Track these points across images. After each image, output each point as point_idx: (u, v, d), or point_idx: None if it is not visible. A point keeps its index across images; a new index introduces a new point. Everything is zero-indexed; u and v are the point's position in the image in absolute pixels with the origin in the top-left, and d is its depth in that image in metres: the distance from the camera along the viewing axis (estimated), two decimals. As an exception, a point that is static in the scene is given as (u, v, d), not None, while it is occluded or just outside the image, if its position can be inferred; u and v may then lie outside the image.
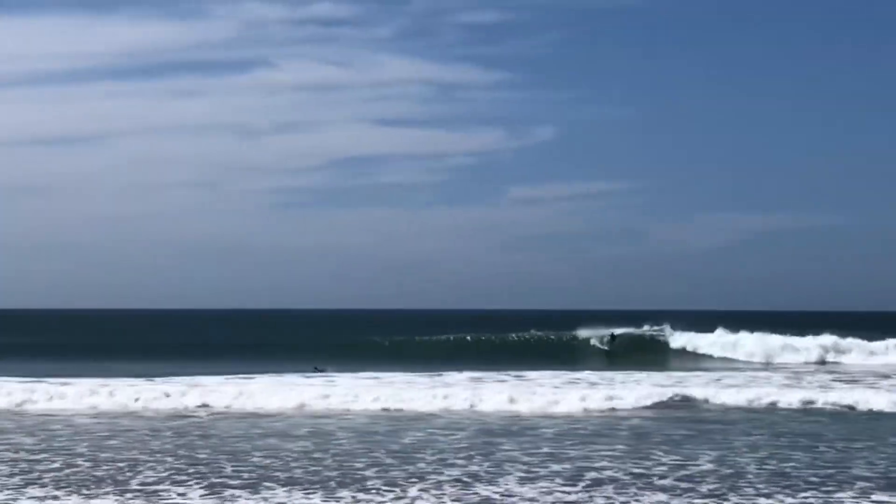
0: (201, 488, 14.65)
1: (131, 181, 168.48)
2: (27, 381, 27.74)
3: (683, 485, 14.99)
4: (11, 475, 15.46)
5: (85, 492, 14.34)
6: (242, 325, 74.34)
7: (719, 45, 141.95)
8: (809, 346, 45.49)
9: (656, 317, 50.30)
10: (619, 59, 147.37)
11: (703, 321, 49.48)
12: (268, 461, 16.94)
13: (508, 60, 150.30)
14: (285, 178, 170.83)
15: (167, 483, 15.00)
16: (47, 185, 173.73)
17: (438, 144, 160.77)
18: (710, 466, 16.57)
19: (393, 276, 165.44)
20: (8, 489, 14.43)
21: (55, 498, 13.92)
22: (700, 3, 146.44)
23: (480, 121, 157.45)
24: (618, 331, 48.99)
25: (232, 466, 16.38)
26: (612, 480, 15.34)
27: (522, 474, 15.81)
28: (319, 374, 34.46)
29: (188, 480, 15.19)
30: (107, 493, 14.24)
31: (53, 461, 16.81)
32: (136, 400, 25.44)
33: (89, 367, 34.06)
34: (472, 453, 17.86)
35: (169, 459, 17.03)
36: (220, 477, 15.48)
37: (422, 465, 16.66)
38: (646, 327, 49.95)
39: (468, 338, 51.08)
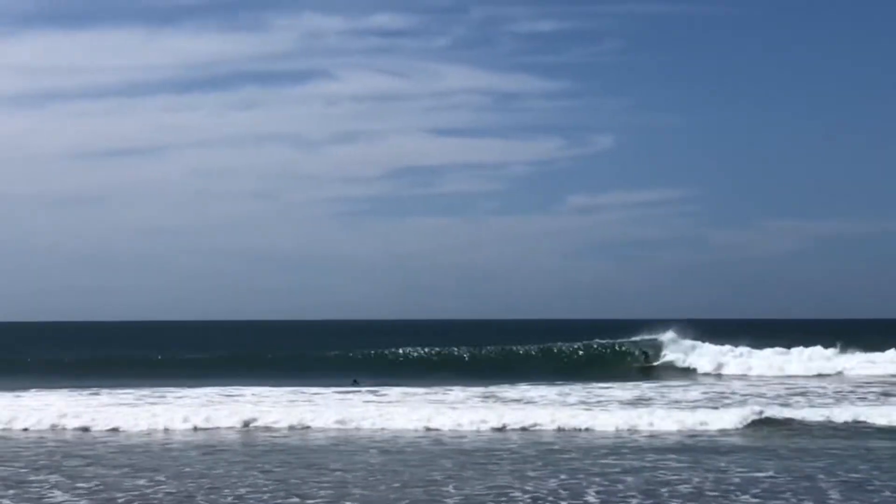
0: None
1: (190, 192, 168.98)
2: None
3: None
4: None
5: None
6: (300, 336, 73.36)
7: (779, 50, 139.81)
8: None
9: (699, 325, 48.61)
10: (678, 65, 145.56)
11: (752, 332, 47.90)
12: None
13: (566, 69, 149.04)
14: (344, 188, 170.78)
15: None
16: (105, 197, 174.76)
17: (497, 153, 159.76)
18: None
19: (453, 286, 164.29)
20: None
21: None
22: (760, 9, 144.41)
23: (538, 130, 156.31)
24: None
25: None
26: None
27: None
28: (356, 387, 33.42)
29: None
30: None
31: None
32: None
33: (152, 382, 33.46)
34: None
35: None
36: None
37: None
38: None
39: (532, 350, 49.08)
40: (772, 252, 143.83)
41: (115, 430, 23.05)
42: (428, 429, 22.81)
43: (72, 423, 23.71)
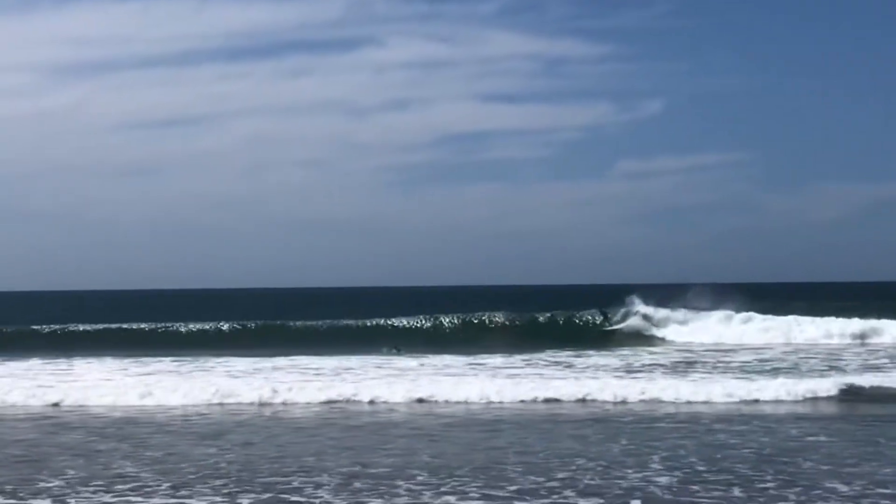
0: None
1: (242, 161, 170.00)
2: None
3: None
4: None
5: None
6: (353, 304, 73.64)
7: (831, 12, 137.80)
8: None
9: (748, 289, 47.05)
10: (729, 28, 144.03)
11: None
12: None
13: (615, 33, 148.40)
14: (394, 155, 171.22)
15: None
16: (159, 167, 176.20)
17: (546, 119, 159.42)
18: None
19: (504, 252, 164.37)
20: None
21: None
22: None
23: (588, 95, 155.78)
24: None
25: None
26: None
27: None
28: (396, 355, 33.55)
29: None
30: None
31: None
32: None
33: (214, 351, 33.83)
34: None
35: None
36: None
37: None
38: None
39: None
40: (826, 216, 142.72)
41: (179, 401, 22.88)
42: (489, 401, 22.43)
43: (133, 393, 23.56)
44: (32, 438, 18.38)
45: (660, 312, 43.61)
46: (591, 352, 34.09)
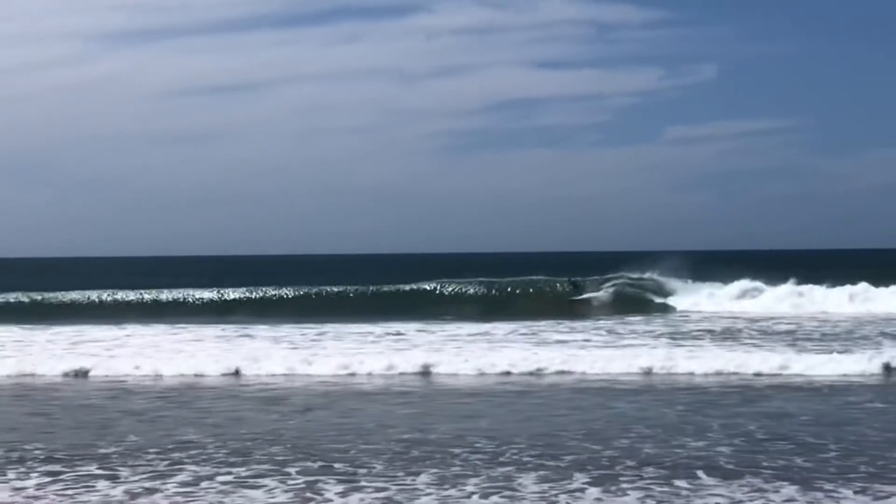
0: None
1: (293, 128, 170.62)
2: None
3: None
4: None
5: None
6: (402, 270, 73.58)
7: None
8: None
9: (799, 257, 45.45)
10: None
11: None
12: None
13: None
14: (445, 121, 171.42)
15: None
16: (210, 134, 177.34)
17: (598, 85, 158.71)
18: None
19: (556, 218, 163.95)
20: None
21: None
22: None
23: (640, 60, 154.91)
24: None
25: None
26: None
27: None
28: (449, 321, 33.44)
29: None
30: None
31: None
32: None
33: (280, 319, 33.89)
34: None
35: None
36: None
37: None
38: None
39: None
40: (878, 182, 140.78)
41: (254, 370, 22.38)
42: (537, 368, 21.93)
43: (205, 360, 23.39)
44: (101, 404, 18.46)
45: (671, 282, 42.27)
46: (610, 320, 33.80)
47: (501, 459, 12.97)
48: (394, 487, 11.65)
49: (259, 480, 12.05)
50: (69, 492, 11.69)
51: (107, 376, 22.00)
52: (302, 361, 22.72)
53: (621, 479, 11.89)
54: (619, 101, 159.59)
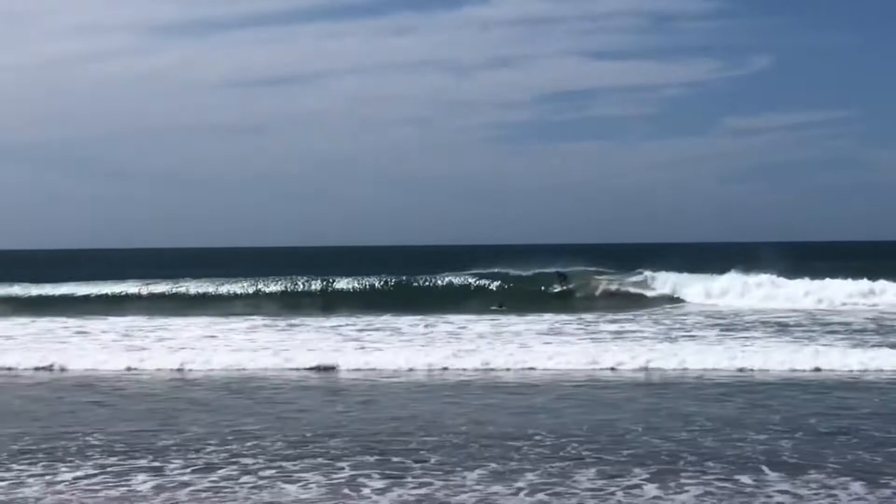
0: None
1: (347, 120, 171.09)
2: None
3: None
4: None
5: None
6: (454, 261, 73.44)
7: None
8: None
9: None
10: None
11: None
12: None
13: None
14: (498, 113, 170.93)
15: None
16: (264, 125, 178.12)
17: (651, 76, 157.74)
18: None
19: (607, 210, 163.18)
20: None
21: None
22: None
23: (694, 51, 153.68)
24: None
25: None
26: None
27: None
28: (500, 311, 33.39)
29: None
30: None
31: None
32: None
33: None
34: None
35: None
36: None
37: None
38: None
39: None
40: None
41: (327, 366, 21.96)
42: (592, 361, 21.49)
43: (264, 351, 23.46)
44: (164, 393, 18.63)
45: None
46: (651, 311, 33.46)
47: (561, 454, 12.82)
48: (438, 483, 11.41)
49: (302, 475, 11.82)
50: (97, 486, 11.51)
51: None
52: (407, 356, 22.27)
53: (682, 473, 11.69)
54: (673, 92, 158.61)
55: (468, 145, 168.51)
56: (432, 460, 12.52)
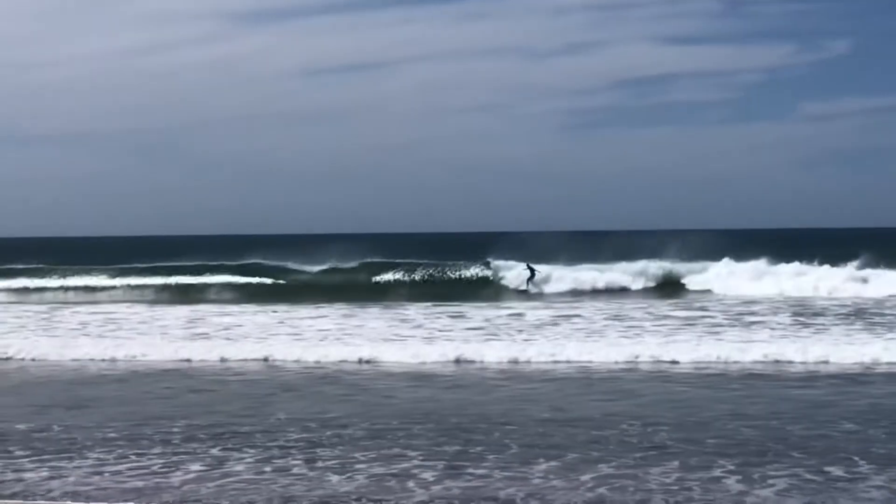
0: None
1: (420, 106, 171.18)
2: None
3: None
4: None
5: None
6: (526, 247, 72.81)
7: None
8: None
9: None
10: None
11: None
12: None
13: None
14: (573, 99, 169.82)
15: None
16: (340, 113, 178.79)
17: (727, 61, 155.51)
18: None
19: (683, 195, 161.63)
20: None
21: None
22: None
23: (771, 35, 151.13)
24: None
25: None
26: None
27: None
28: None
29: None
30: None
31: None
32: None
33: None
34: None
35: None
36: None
37: None
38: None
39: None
40: None
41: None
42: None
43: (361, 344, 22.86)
44: (260, 380, 18.81)
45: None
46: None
47: (645, 444, 12.61)
48: (498, 474, 11.09)
49: (359, 466, 11.58)
50: (133, 472, 11.46)
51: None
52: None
53: (768, 466, 11.41)
54: (750, 77, 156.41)
55: (541, 131, 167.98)
56: (513, 450, 12.40)
